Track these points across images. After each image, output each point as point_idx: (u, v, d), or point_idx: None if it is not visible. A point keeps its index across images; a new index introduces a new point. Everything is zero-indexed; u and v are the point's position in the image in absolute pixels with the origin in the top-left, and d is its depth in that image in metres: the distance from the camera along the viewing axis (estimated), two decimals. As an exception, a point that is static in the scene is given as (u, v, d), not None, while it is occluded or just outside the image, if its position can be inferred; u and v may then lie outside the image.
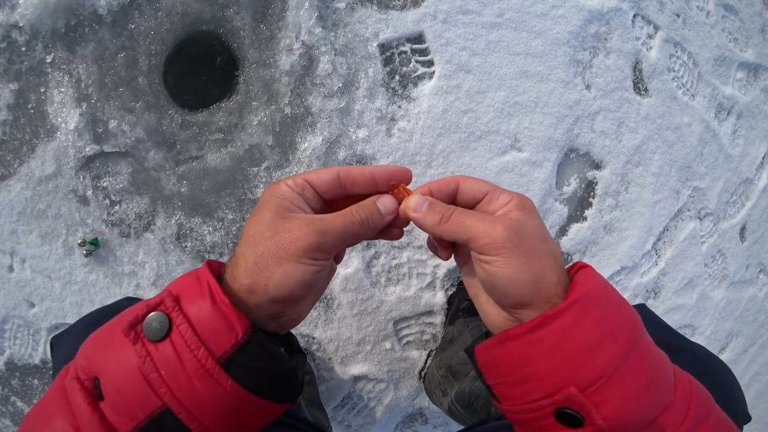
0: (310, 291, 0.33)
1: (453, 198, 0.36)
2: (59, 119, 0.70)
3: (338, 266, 0.56)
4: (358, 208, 0.34)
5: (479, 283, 0.36)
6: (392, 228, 0.37)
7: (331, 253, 0.33)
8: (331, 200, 0.36)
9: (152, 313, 0.30)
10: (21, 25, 0.65)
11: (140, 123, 0.73)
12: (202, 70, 0.75)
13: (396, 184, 0.35)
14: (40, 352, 0.81)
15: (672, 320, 1.09)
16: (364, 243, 0.84)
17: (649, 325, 0.33)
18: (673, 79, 0.96)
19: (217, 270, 0.33)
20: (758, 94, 1.08)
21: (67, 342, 0.47)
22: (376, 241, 0.82)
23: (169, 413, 0.28)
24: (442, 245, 0.37)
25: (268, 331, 0.33)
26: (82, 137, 0.71)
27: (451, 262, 0.85)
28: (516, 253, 0.30)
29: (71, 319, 0.79)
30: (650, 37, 0.93)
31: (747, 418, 0.44)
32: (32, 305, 0.78)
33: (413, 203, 0.34)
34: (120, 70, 0.70)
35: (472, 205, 0.36)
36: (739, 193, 1.11)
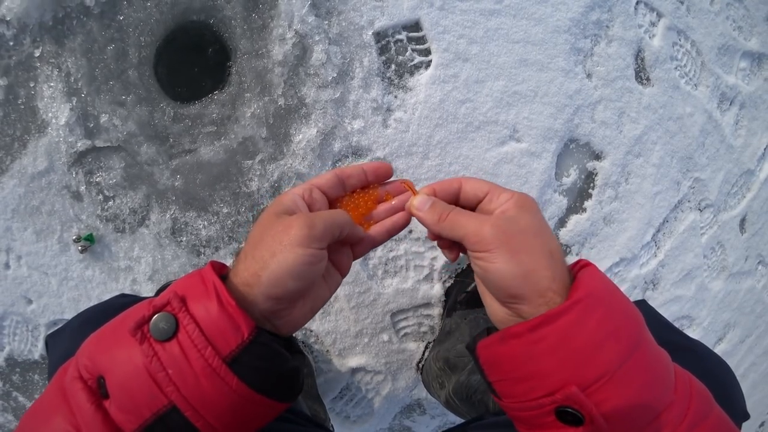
0: (303, 286, 0.33)
1: (456, 198, 0.39)
2: (50, 114, 0.69)
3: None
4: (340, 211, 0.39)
5: None
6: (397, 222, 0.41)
7: (320, 240, 0.33)
8: (333, 200, 0.40)
9: (159, 314, 0.30)
10: (8, 18, 0.64)
11: (132, 117, 0.72)
12: (194, 62, 0.74)
13: (406, 184, 0.41)
14: (40, 348, 0.82)
15: (670, 311, 1.09)
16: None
17: (650, 322, 0.33)
18: (676, 68, 0.94)
19: (220, 271, 0.34)
20: (761, 84, 1.06)
21: (61, 340, 0.47)
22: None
23: (175, 411, 0.29)
24: (446, 246, 0.40)
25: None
26: (73, 132, 0.70)
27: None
28: (503, 249, 0.32)
29: (69, 315, 0.79)
30: (653, 24, 0.91)
31: (746, 417, 0.44)
32: (30, 302, 0.78)
33: (418, 202, 0.38)
34: (110, 62, 0.69)
35: (474, 205, 0.38)
36: (740, 184, 1.10)
